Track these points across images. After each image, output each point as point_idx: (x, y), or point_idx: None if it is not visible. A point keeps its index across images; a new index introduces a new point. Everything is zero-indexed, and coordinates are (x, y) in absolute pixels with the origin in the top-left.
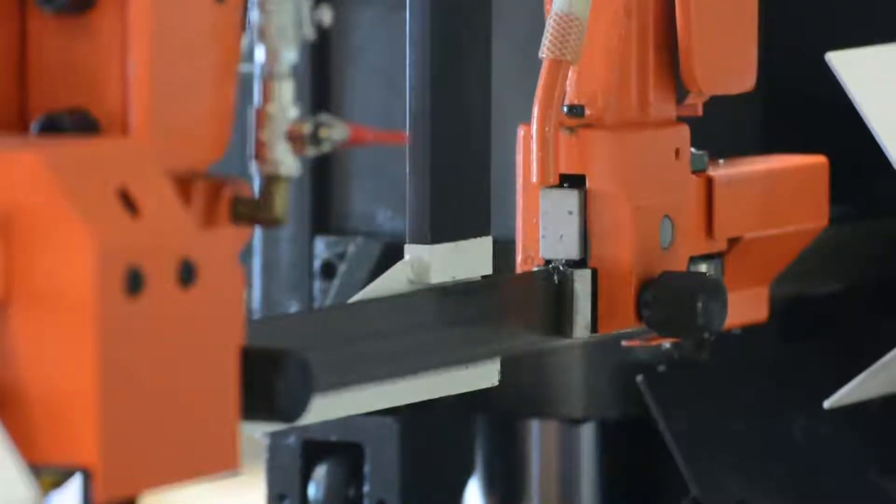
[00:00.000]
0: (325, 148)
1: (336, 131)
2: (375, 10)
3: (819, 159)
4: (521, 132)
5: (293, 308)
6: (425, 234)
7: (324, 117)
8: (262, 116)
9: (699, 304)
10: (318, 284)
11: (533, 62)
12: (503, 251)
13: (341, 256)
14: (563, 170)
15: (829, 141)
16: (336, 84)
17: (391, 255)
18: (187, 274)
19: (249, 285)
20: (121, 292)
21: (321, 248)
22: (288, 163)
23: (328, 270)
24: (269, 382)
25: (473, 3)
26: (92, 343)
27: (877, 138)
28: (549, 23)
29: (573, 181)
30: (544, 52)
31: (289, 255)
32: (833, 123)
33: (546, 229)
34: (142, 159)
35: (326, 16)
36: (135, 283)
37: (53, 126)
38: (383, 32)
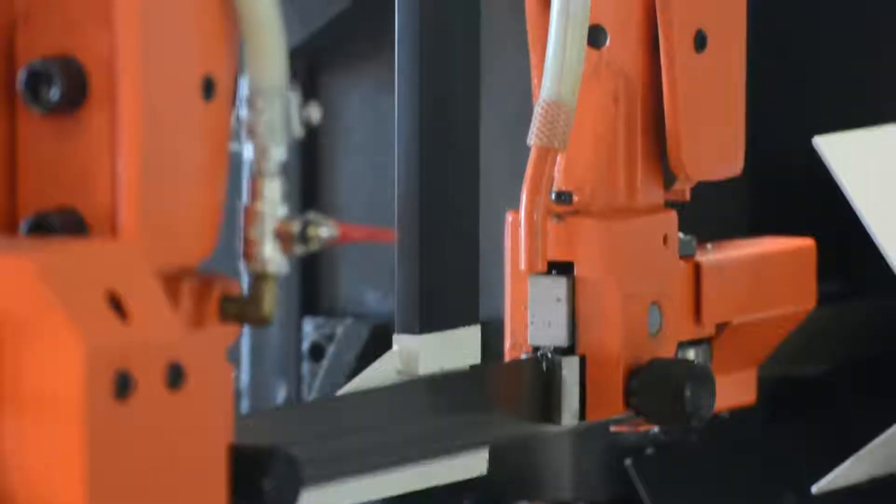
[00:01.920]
0: (314, 246)
1: (324, 229)
2: (363, 92)
3: (806, 242)
4: (509, 218)
5: (281, 390)
6: (414, 324)
7: (312, 216)
8: (250, 214)
9: (687, 394)
10: (306, 366)
11: (521, 146)
12: (491, 332)
13: (330, 338)
14: (552, 256)
15: (816, 221)
16: (323, 165)
17: (379, 336)
18: (176, 377)
19: (237, 365)
20: (109, 396)
21: (309, 330)
22: (276, 261)
23: (316, 352)
24: (256, 481)
25: (462, 86)
26: (80, 446)
27: (863, 221)
28: (537, 110)
29: (561, 268)
30: (532, 140)
31: (277, 336)
32: (819, 204)
33: (534, 316)
34: (130, 261)
35: (315, 113)
36: (124, 386)
37: (42, 226)
38: (371, 114)
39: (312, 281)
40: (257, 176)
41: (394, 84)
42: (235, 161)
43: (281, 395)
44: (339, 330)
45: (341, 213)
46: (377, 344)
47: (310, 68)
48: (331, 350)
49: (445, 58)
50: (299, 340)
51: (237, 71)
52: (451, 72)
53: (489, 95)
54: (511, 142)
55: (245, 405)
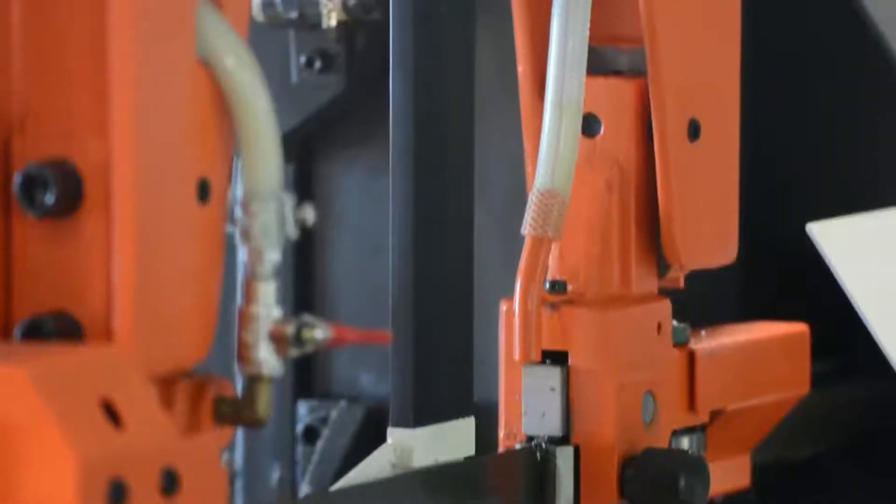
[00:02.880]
0: (308, 349)
1: (319, 332)
2: (356, 176)
3: (800, 327)
4: (503, 307)
5: (275, 472)
6: (408, 417)
7: (307, 318)
8: (245, 317)
9: (681, 484)
10: (300, 449)
11: (515, 233)
12: (486, 417)
13: (324, 421)
14: (546, 346)
15: (809, 302)
16: (318, 249)
17: (374, 419)
18: (170, 483)
19: (232, 447)
20: None
21: (303, 413)
22: (271, 363)
23: (310, 435)
24: None
25: (455, 173)
26: None
27: (856, 307)
28: (531, 199)
29: (556, 357)
30: (527, 230)
31: (271, 418)
32: (813, 285)
33: (528, 406)
34: (125, 367)
35: (309, 215)
36: (117, 495)
37: (37, 330)
38: (364, 198)
39: (306, 363)
40: (252, 279)
41: (387, 168)
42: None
43: (275, 477)
44: (334, 413)
45: (335, 296)
46: (371, 427)
47: (303, 152)
48: (325, 433)
49: (440, 144)
50: (293, 423)
51: (232, 171)
52: (445, 158)
53: (483, 182)
54: (505, 229)
55: (239, 487)
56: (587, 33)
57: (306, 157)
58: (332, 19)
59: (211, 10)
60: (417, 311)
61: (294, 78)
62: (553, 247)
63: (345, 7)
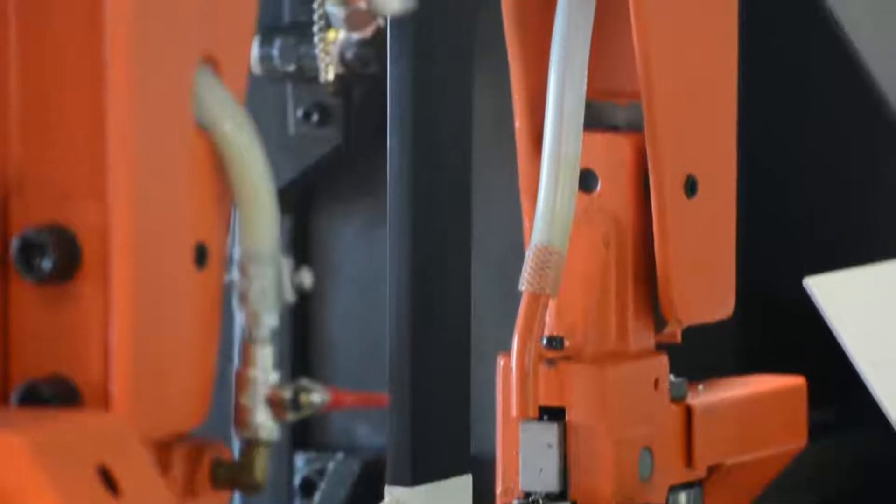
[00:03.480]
0: (306, 413)
1: (316, 396)
2: (354, 227)
3: (797, 381)
4: (500, 362)
5: None
6: (405, 476)
7: (304, 382)
8: (242, 381)
9: None
10: (298, 502)
11: (512, 287)
12: (483, 470)
13: (321, 473)
14: (543, 402)
15: (805, 353)
16: (315, 299)
17: (371, 471)
18: None
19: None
20: None
21: (301, 464)
22: (268, 427)
23: (308, 487)
24: None
25: (453, 226)
26: None
27: (852, 360)
28: (529, 255)
29: (553, 413)
30: (524, 286)
31: (269, 470)
32: (809, 336)
33: (525, 462)
34: (122, 433)
35: (307, 279)
36: None
37: (34, 395)
38: (362, 249)
39: None
40: (249, 342)
41: (385, 221)
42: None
43: None
44: (331, 465)
45: (332, 347)
46: (369, 479)
47: (301, 204)
48: (322, 486)
49: (437, 197)
50: (291, 475)
51: (229, 235)
52: (442, 212)
53: (481, 236)
54: (503, 283)
55: None
56: (584, 89)
57: (304, 209)
58: (329, 73)
59: (209, 74)
60: (415, 368)
61: (291, 130)
62: (550, 302)
63: (342, 61)
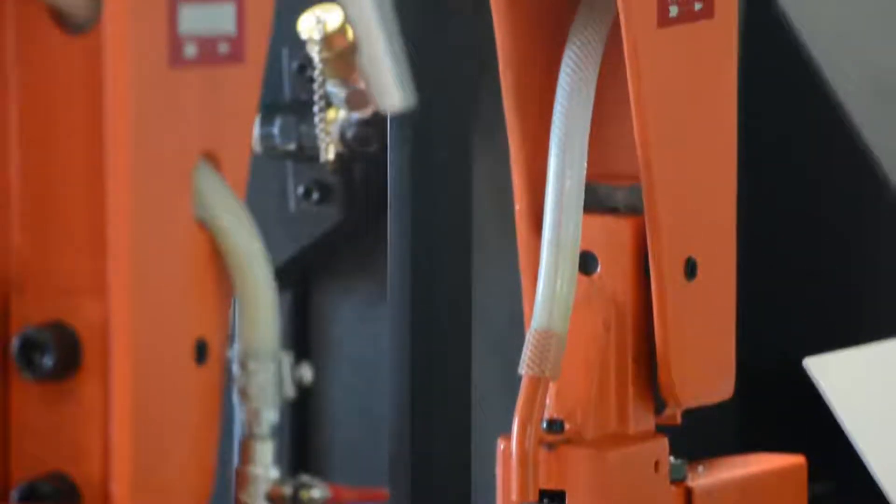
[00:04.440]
0: None
1: (316, 492)
2: (353, 305)
3: (797, 460)
4: (500, 445)
5: None
6: None
7: (304, 478)
8: (242, 477)
9: None
10: None
11: (512, 365)
12: None
13: None
14: (544, 485)
15: (805, 435)
16: (315, 377)
17: None
18: None
19: None
20: None
21: None
22: None
23: None
24: None
25: (453, 305)
26: None
27: (851, 439)
28: (529, 339)
29: (554, 497)
30: (524, 369)
31: None
32: (808, 419)
33: None
34: None
35: (307, 374)
36: None
37: (34, 493)
38: (361, 327)
39: None
40: (249, 439)
41: (384, 299)
42: None
43: None
44: None
45: (331, 425)
46: None
47: (300, 282)
48: None
49: (437, 275)
50: None
51: (229, 331)
52: (442, 290)
53: (481, 314)
54: (503, 361)
55: None
56: (584, 172)
57: (303, 286)
58: (330, 152)
59: (209, 170)
60: (415, 460)
61: (292, 208)
62: (550, 385)
63: (343, 140)
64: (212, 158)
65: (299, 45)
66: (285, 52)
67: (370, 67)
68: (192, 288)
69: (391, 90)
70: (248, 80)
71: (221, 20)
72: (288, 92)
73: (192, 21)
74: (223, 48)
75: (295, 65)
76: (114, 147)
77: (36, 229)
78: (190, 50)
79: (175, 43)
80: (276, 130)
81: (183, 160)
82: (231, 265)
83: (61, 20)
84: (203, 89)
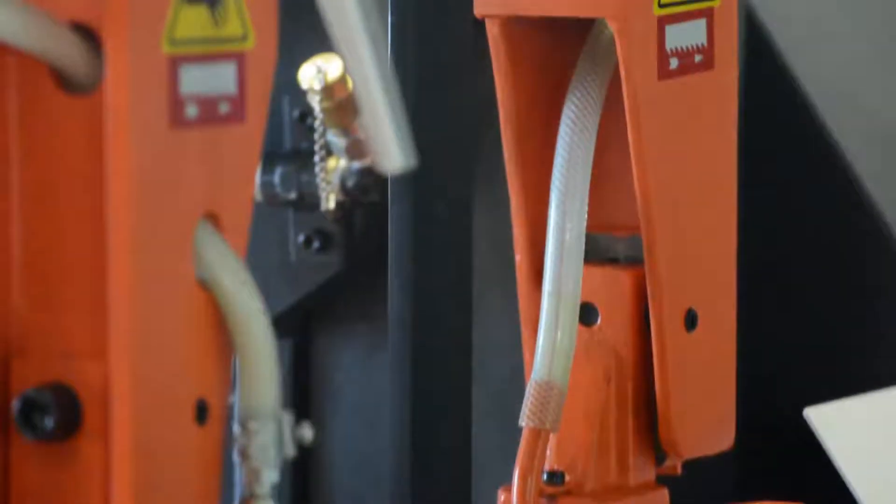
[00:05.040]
0: None
1: None
2: (354, 352)
3: None
4: (501, 497)
5: None
6: None
7: None
8: None
9: None
10: None
11: (512, 416)
12: None
13: None
14: None
15: (805, 486)
16: (315, 424)
17: None
18: None
19: None
20: None
21: None
22: None
23: None
24: None
25: (454, 354)
26: None
27: (852, 490)
28: (529, 390)
29: None
30: (524, 421)
31: None
32: (808, 469)
33: None
34: None
35: (308, 433)
36: None
37: None
38: (362, 374)
39: None
40: (250, 499)
41: (385, 347)
42: None
43: None
44: None
45: (332, 471)
46: None
47: (301, 330)
48: None
49: (438, 324)
50: None
51: (230, 390)
52: (442, 339)
53: (481, 364)
54: (503, 412)
55: None
56: (584, 225)
57: (304, 334)
58: (330, 201)
59: (209, 230)
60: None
61: (293, 256)
62: (551, 437)
63: (343, 188)
64: (213, 218)
65: (300, 93)
66: (286, 101)
67: (371, 126)
68: (192, 348)
69: (392, 150)
70: (248, 140)
71: (222, 80)
72: (289, 141)
73: (194, 81)
74: (224, 108)
75: (296, 113)
76: (115, 208)
77: (37, 291)
78: (191, 110)
79: (176, 103)
80: (276, 179)
81: (184, 221)
82: (232, 325)
83: (63, 81)
84: (204, 150)
